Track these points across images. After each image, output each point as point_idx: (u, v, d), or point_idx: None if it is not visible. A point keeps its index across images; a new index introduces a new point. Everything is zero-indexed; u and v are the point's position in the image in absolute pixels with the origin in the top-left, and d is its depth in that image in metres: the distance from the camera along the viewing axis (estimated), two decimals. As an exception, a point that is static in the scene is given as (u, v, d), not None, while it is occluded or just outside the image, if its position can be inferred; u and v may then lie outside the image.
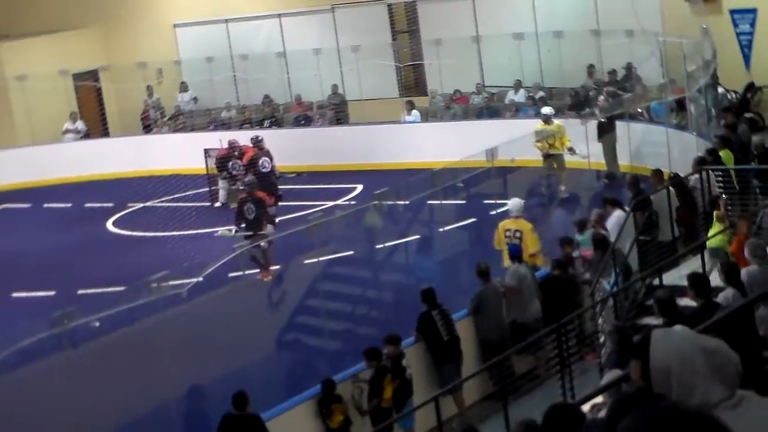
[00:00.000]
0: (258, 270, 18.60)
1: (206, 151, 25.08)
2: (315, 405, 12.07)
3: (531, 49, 26.22)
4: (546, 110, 22.18)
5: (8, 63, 30.44)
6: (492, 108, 26.76)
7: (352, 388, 12.37)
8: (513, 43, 25.96)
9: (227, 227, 19.78)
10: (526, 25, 26.36)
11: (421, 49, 28.65)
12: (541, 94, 26.07)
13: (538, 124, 21.77)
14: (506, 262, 15.18)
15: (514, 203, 16.12)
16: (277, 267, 18.96)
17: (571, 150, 21.35)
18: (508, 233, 15.58)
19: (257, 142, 23.71)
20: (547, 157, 21.50)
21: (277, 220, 19.66)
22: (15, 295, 19.11)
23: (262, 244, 17.92)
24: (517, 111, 26.04)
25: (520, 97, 26.44)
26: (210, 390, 14.25)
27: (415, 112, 26.68)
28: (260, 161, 22.93)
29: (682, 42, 20.40)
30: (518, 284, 14.13)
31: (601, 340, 12.48)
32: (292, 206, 22.10)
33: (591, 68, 25.41)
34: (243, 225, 18.99)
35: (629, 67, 24.78)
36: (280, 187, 22.89)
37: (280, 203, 21.65)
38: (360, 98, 28.00)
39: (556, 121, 21.69)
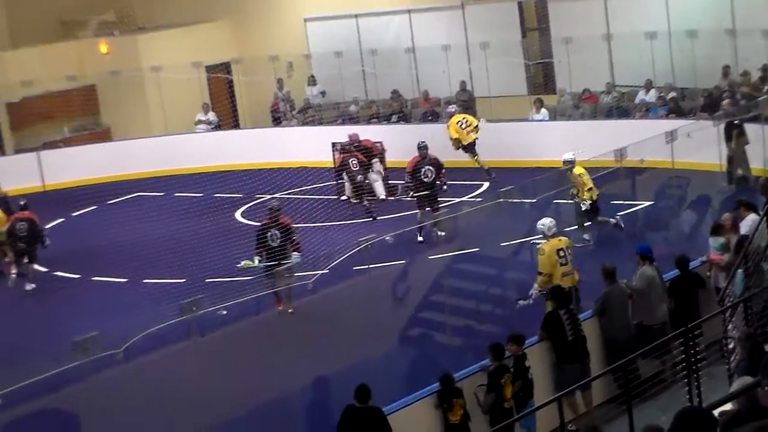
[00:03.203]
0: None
1: (333, 144, 25.32)
2: (435, 398, 12.10)
3: (663, 48, 25.79)
4: (568, 156, 19.41)
5: (145, 54, 31.21)
6: (621, 107, 26.41)
7: (476, 389, 12.34)
8: (645, 41, 25.56)
9: (250, 258, 17.87)
10: (658, 23, 25.93)
11: (551, 47, 28.41)
12: (672, 94, 25.63)
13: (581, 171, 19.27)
14: (568, 281, 14.82)
15: (551, 222, 15.33)
16: (402, 262, 18.98)
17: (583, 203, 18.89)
18: (561, 253, 15.00)
19: (420, 147, 21.55)
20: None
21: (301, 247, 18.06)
22: (146, 281, 19.56)
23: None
24: (647, 111, 25.66)
25: (650, 97, 26.05)
26: (332, 382, 14.39)
27: (543, 110, 26.52)
28: (423, 170, 21.21)
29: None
30: (646, 287, 13.94)
31: (731, 346, 12.25)
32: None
33: (726, 69, 24.86)
34: (264, 254, 17.55)
35: (765, 68, 24.18)
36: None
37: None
38: (488, 95, 27.91)
39: (578, 168, 19.20)
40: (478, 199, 22.37)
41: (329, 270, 18.47)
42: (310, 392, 14.30)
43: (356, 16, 31.06)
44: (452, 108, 26.51)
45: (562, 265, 14.96)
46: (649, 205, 21.68)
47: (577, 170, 19.10)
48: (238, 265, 17.82)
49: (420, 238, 19.92)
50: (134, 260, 20.13)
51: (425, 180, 21.13)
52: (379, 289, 18.11)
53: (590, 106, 26.76)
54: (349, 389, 11.54)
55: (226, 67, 32.44)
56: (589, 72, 26.86)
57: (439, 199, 21.23)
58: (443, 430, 12.11)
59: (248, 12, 32.76)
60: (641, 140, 19.15)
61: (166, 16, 32.60)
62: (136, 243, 21.44)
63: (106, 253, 21.03)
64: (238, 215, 24.35)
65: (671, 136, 21.04)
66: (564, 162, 19.33)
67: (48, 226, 24.06)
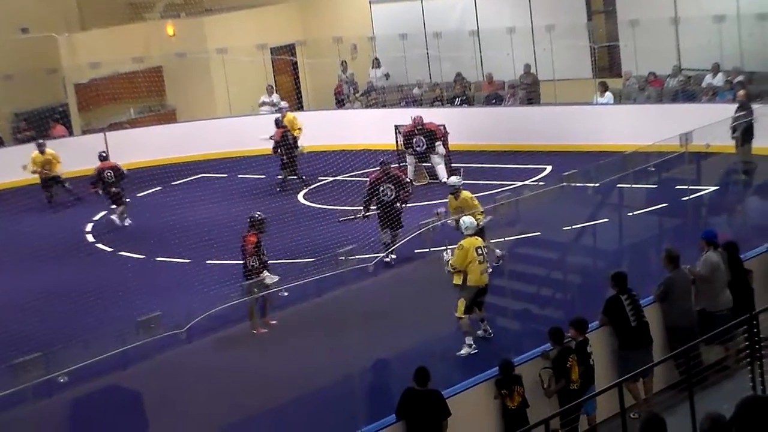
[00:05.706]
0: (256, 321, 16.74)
1: (396, 127, 25.33)
2: (494, 387, 12.06)
3: (732, 31, 25.42)
4: (454, 180, 18.37)
5: (210, 36, 31.41)
6: (688, 91, 26.11)
7: (540, 372, 12.29)
8: (713, 25, 25.22)
9: (269, 276, 16.65)
10: (727, 6, 25.57)
11: (617, 30, 28.17)
12: (740, 78, 25.28)
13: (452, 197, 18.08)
14: (479, 278, 14.97)
15: (471, 221, 15.39)
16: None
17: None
18: (479, 251, 15.09)
19: (381, 163, 20.09)
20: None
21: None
22: (209, 262, 19.72)
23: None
24: (714, 95, 25.34)
25: (718, 80, 25.73)
26: (392, 364, 14.42)
27: (608, 93, 26.30)
28: (383, 188, 19.54)
29: None
30: (709, 273, 13.77)
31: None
32: (480, 185, 22.10)
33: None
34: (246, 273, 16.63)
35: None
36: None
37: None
38: (552, 78, 27.74)
39: (465, 193, 18.04)
40: (541, 183, 22.24)
41: (390, 253, 18.50)
42: (369, 374, 14.35)
43: (421, -2, 31.04)
44: (286, 103, 28.44)
45: (480, 263, 15.06)
46: (714, 190, 21.45)
47: (465, 194, 17.97)
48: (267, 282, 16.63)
49: (388, 259, 18.86)
50: (198, 241, 20.28)
51: (385, 199, 19.50)
52: (439, 272, 18.09)
53: (656, 89, 26.48)
54: (409, 372, 11.56)
55: (290, 49, 32.56)
56: (656, 55, 26.56)
57: (401, 219, 19.42)
58: (501, 415, 12.09)
59: (313, -6, 32.86)
60: (708, 125, 18.91)
61: (233, -2, 32.81)
62: (200, 224, 21.62)
63: (170, 234, 21.19)
64: (300, 197, 24.46)
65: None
66: (451, 187, 18.20)
67: (113, 206, 24.38)
